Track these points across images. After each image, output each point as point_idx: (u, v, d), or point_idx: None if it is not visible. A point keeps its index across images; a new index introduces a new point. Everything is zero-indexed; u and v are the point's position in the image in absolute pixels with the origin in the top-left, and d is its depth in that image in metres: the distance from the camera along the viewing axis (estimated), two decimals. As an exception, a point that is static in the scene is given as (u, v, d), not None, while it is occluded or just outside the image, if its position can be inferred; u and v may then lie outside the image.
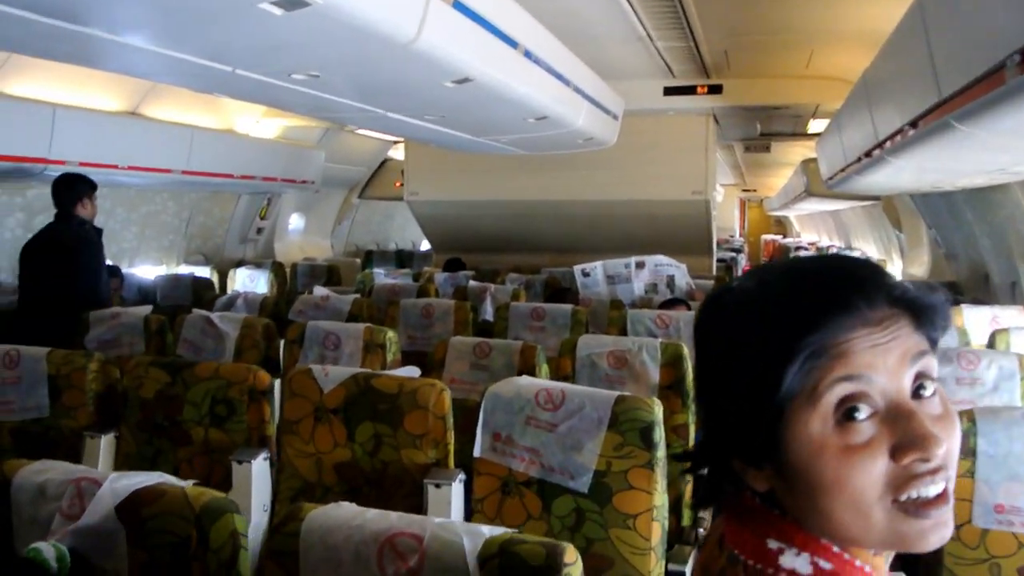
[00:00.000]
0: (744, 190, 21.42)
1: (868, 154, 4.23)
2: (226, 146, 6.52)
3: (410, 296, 5.42)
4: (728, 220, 22.02)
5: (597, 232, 7.39)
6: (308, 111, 4.52)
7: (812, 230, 21.04)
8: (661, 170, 6.73)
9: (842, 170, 5.07)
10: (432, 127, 4.58)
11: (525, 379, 2.35)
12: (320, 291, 4.85)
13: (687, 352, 3.10)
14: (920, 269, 7.48)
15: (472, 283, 5.56)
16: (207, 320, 3.83)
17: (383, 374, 2.45)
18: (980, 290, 6.00)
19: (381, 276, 6.89)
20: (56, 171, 4.59)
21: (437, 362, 3.47)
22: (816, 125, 7.37)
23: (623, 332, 4.02)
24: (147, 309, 4.07)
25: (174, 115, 6.11)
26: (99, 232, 4.33)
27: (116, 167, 5.47)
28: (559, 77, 4.23)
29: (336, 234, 10.11)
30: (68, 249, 4.18)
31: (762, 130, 7.93)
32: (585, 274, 5.49)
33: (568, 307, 4.25)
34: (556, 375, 3.26)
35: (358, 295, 5.48)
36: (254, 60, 2.94)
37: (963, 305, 4.75)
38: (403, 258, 10.76)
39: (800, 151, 11.04)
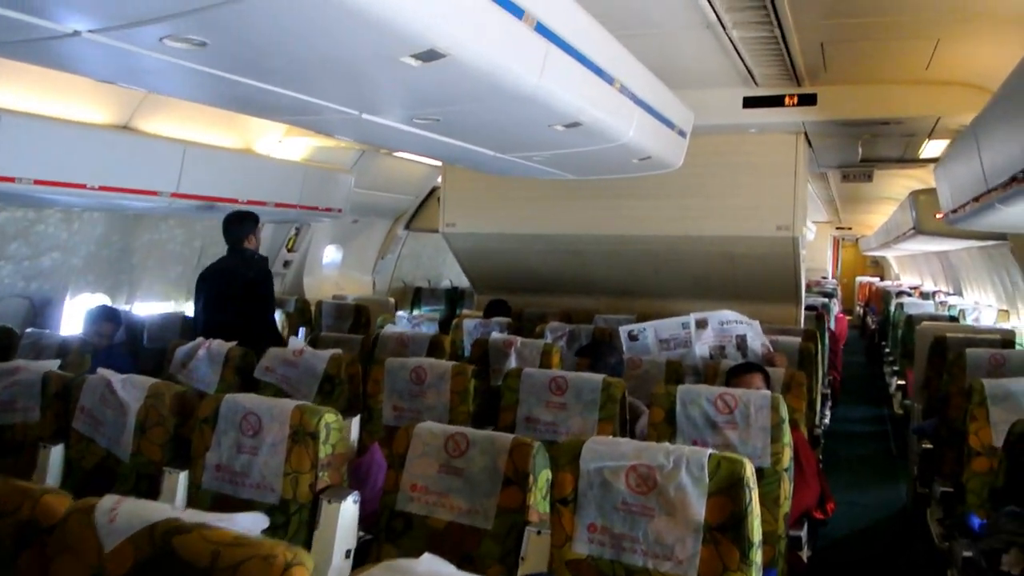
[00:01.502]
0: (838, 227, 19.85)
1: (1016, 179, 3.05)
2: (231, 166, 5.67)
3: (421, 347, 4.42)
4: (820, 260, 20.45)
5: (662, 273, 6.27)
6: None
7: (914, 272, 19.26)
8: (740, 200, 5.59)
9: (976, 199, 3.86)
10: (435, 138, 3.59)
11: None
12: (296, 343, 3.89)
13: (751, 471, 1.99)
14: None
15: (495, 335, 4.52)
16: (108, 385, 2.89)
17: (199, 525, 1.42)
18: None
19: (404, 321, 5.90)
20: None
21: (397, 458, 2.45)
22: (932, 147, 6.10)
23: (670, 418, 2.92)
24: (50, 365, 3.16)
25: (170, 130, 5.30)
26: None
27: (102, 188, 4.70)
28: (596, 70, 3.19)
29: (380, 269, 9.22)
30: (250, 281, 4.66)
31: (864, 155, 6.68)
32: (632, 337, 4.40)
33: (599, 378, 3.17)
34: (557, 493, 2.19)
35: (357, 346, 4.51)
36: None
37: None
38: (454, 297, 9.82)
39: (905, 183, 9.66)
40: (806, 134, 5.47)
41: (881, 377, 10.14)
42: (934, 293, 13.23)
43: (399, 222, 8.97)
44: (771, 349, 4.33)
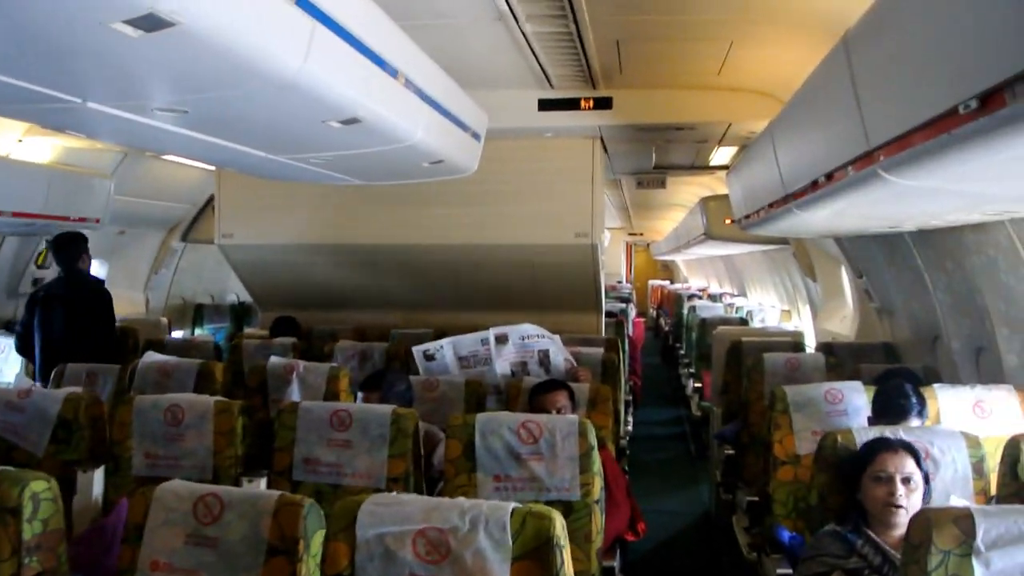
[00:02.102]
0: (631, 233, 20.57)
1: (817, 184, 2.96)
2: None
3: (188, 378, 3.84)
4: (615, 266, 21.10)
5: (462, 284, 5.97)
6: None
7: (701, 275, 20.31)
8: (538, 207, 5.38)
9: (771, 205, 3.81)
10: (192, 135, 3.05)
11: None
12: (22, 381, 3.21)
13: (560, 526, 1.67)
14: (841, 325, 6.36)
15: (273, 360, 4.00)
16: None
17: None
18: (925, 354, 4.85)
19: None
20: None
21: (133, 529, 1.95)
22: (721, 155, 6.19)
23: (468, 451, 2.58)
24: None
25: None
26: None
27: None
28: (375, 59, 2.79)
29: (154, 285, 8.30)
30: (90, 303, 4.98)
31: (657, 161, 6.72)
32: (429, 357, 4.03)
33: (387, 410, 2.77)
34: (329, 568, 1.77)
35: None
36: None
37: (936, 386, 3.54)
38: (241, 313, 9.08)
39: (693, 190, 9.98)
40: (602, 139, 5.35)
41: (677, 379, 10.40)
42: (721, 295, 13.86)
43: (174, 233, 8.12)
44: (574, 364, 4.11)
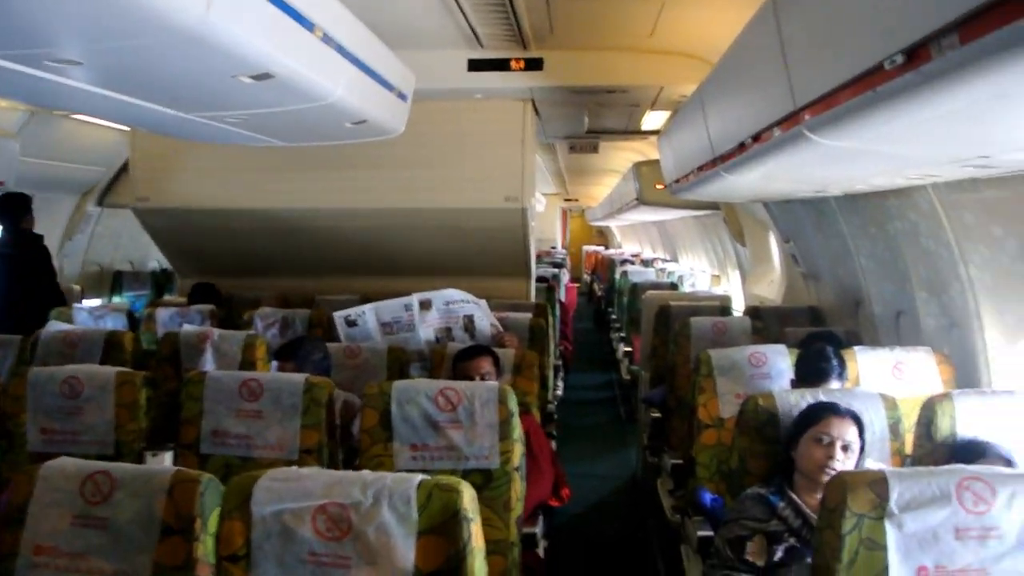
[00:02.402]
0: (566, 199, 20.57)
1: (744, 146, 2.93)
2: None
3: (95, 348, 3.66)
4: (550, 231, 21.09)
5: (389, 249, 5.84)
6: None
7: (635, 241, 20.44)
8: (468, 171, 5.28)
9: (700, 168, 3.78)
10: (94, 91, 2.86)
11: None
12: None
13: (470, 498, 1.60)
14: (768, 289, 6.43)
15: (186, 328, 3.84)
16: None
17: None
18: (848, 318, 4.92)
19: (83, 314, 4.96)
20: None
21: (14, 511, 1.83)
22: (653, 119, 6.15)
23: (385, 421, 2.50)
24: None
25: None
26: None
27: None
28: (287, 9, 2.64)
29: (68, 252, 7.94)
30: (32, 261, 5.16)
31: (590, 125, 6.65)
32: (350, 323, 3.92)
33: (299, 379, 2.66)
34: (224, 548, 1.67)
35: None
36: None
37: (857, 349, 3.57)
38: (162, 280, 8.78)
39: (627, 155, 9.96)
40: (533, 102, 5.26)
41: (609, 343, 10.46)
42: (653, 260, 13.96)
43: (89, 197, 7.77)
44: (500, 329, 4.04)
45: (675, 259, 13.28)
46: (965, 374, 3.48)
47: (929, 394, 3.47)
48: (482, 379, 3.48)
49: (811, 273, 5.35)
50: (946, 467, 1.83)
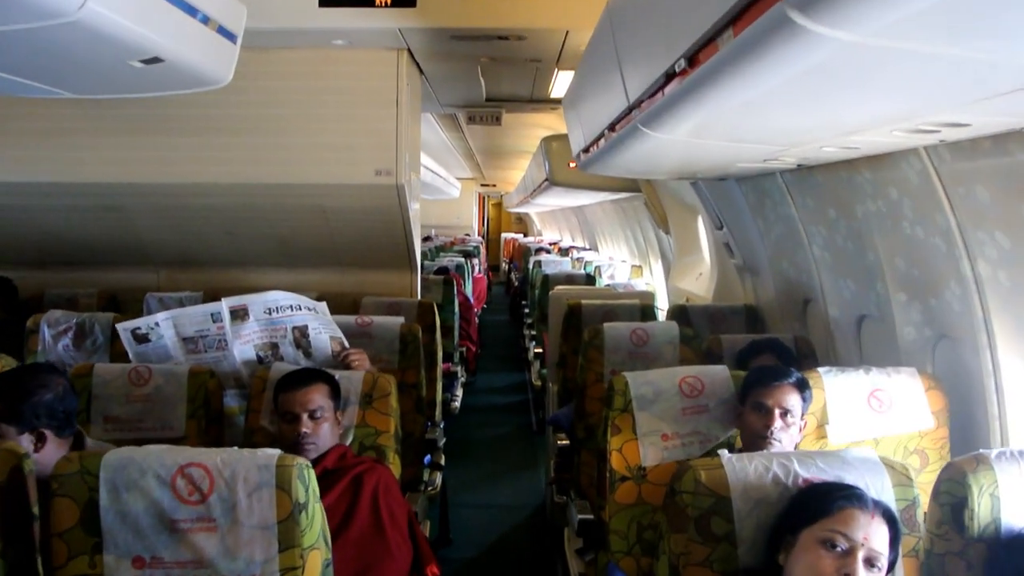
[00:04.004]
0: (483, 184, 19.57)
1: (672, 77, 1.96)
2: None
3: None
4: (467, 218, 20.09)
5: (238, 235, 4.74)
6: None
7: (554, 228, 19.56)
8: (328, 138, 4.21)
9: (612, 127, 2.80)
10: None
11: None
12: None
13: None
14: (697, 284, 5.54)
15: None
16: None
17: None
18: (793, 320, 4.06)
19: None
20: None
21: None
22: (563, 83, 5.18)
23: (90, 520, 1.46)
24: None
25: None
26: None
27: None
28: None
29: None
30: None
31: (489, 91, 5.64)
32: (141, 337, 2.84)
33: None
34: None
35: None
36: None
37: (822, 371, 2.67)
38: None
39: (541, 134, 8.97)
40: (410, 52, 4.21)
41: (523, 337, 9.47)
42: (569, 249, 13.06)
43: None
44: (345, 344, 2.99)
45: (595, 248, 12.40)
46: (960, 403, 2.62)
47: (917, 432, 2.62)
48: (311, 417, 2.49)
49: (748, 266, 4.47)
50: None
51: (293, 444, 2.49)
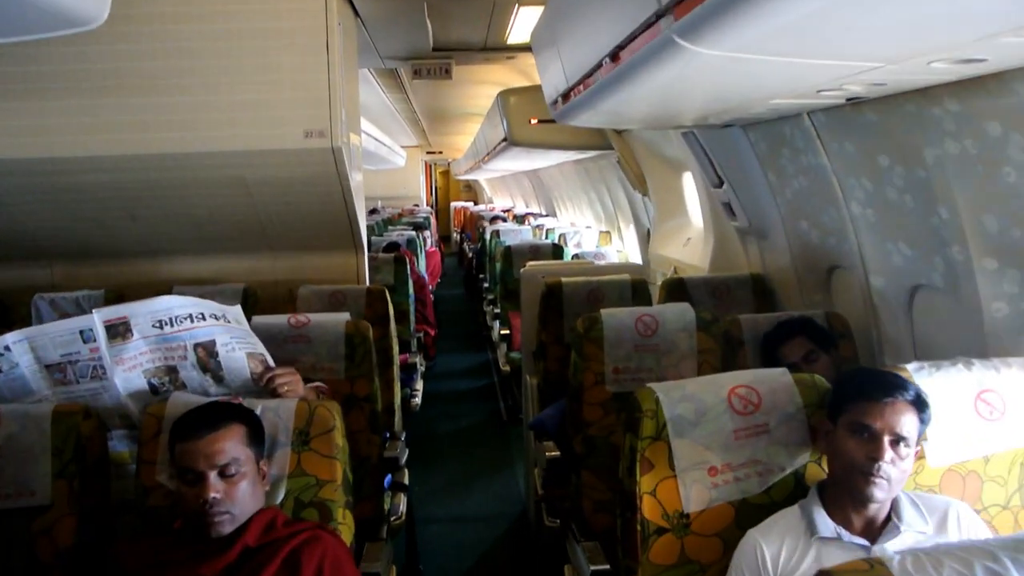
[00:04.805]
0: (429, 152, 18.69)
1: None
2: None
3: None
4: (413, 187, 19.21)
5: (144, 218, 3.93)
6: None
7: (505, 194, 18.79)
8: (245, 95, 3.40)
9: (614, 57, 2.08)
10: None
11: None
12: None
13: None
14: (684, 252, 4.86)
15: None
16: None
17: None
18: (813, 291, 3.43)
19: None
20: None
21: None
22: (522, 27, 4.43)
23: None
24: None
25: None
26: None
27: None
28: None
29: None
30: None
31: (437, 39, 4.87)
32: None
33: None
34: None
35: None
36: None
37: (911, 367, 2.00)
38: None
39: (492, 93, 8.20)
40: (341, -15, 3.43)
41: (483, 314, 8.75)
42: (525, 216, 12.32)
43: None
44: (269, 362, 2.23)
45: (552, 214, 11.69)
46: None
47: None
48: (222, 475, 1.78)
49: (754, 229, 3.80)
50: None
51: (197, 514, 1.76)
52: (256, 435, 1.88)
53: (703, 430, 1.88)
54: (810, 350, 2.76)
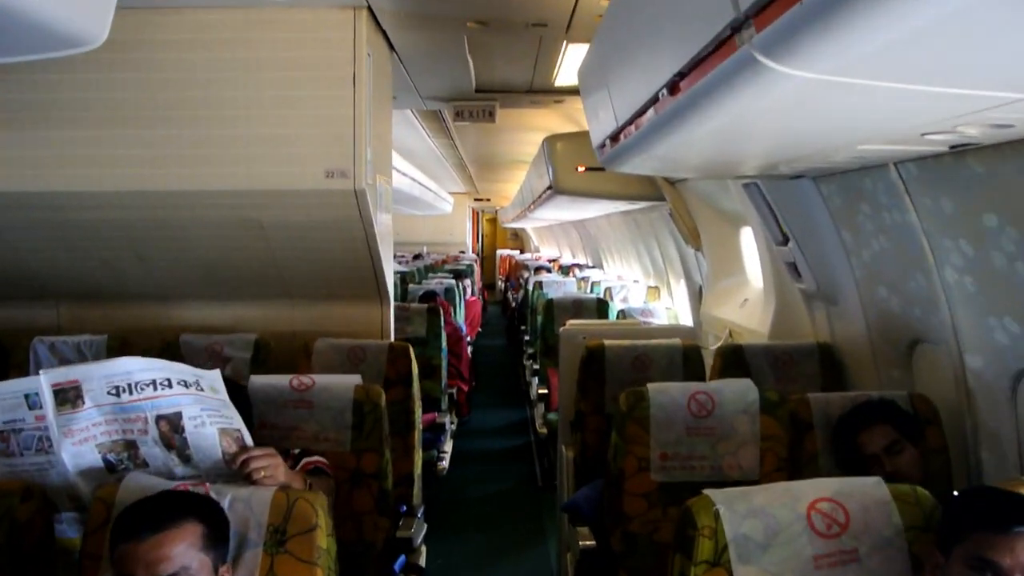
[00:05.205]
0: (476, 199, 18.52)
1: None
2: None
3: None
4: (460, 234, 19.02)
5: (152, 260, 3.65)
6: None
7: (552, 244, 18.48)
8: (258, 127, 3.11)
9: (673, 90, 1.72)
10: None
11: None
12: None
13: None
14: (740, 314, 4.44)
15: None
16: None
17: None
18: (891, 367, 3.00)
19: None
20: None
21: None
22: (570, 67, 4.11)
23: None
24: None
25: None
26: None
27: None
28: None
29: None
30: None
31: (480, 77, 4.58)
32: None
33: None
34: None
35: None
36: None
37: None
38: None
39: (540, 140, 7.90)
40: (371, 8, 3.12)
41: (523, 368, 8.34)
42: (571, 267, 11.95)
43: None
44: (246, 439, 1.86)
45: (599, 265, 11.30)
46: None
47: None
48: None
49: (823, 292, 3.38)
50: None
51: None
52: (216, 535, 1.52)
53: (775, 555, 1.47)
54: (895, 440, 2.35)
